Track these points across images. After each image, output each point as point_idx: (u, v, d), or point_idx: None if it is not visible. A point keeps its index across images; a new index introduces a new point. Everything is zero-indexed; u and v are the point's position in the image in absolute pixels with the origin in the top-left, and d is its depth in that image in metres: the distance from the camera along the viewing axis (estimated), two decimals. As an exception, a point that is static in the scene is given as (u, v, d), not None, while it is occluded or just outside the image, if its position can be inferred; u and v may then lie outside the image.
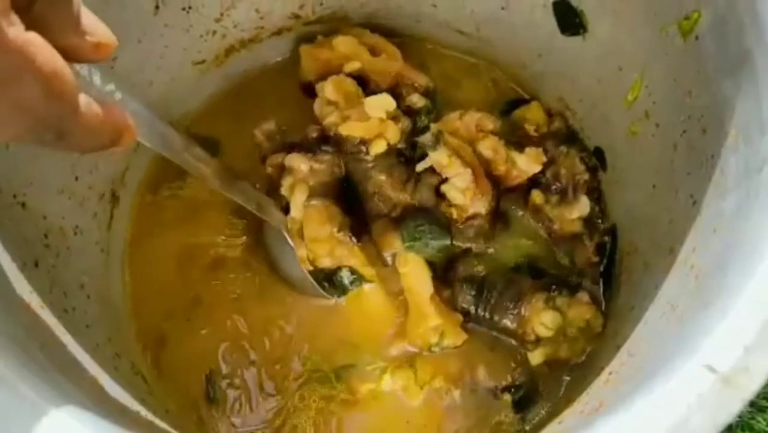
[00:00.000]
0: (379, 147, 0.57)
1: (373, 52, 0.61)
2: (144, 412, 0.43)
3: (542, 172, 0.59)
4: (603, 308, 0.57)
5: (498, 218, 0.59)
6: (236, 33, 0.62)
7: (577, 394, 0.47)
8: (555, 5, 0.54)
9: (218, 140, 0.63)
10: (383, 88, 0.60)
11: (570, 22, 0.54)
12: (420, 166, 0.58)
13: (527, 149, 0.58)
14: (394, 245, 0.57)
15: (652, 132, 0.50)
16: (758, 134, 0.35)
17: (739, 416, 0.62)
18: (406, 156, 0.60)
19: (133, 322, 0.57)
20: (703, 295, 0.35)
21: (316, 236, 0.57)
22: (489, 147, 0.58)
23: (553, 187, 0.59)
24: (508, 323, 0.56)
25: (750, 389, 0.27)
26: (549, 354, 0.56)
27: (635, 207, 0.54)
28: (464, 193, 0.56)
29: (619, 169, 0.57)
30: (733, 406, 0.27)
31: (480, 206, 0.57)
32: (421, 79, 0.62)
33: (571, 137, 0.61)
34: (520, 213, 0.60)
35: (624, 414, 0.30)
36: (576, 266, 0.59)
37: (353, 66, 0.60)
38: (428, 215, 0.58)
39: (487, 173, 0.58)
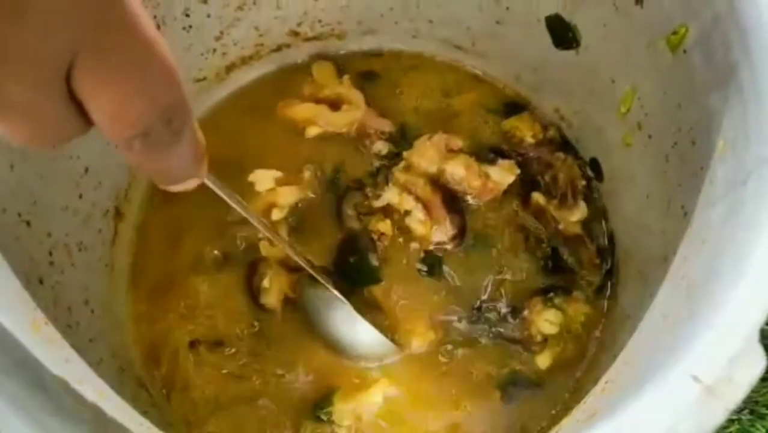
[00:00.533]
0: (276, 215, 0.60)
1: (335, 104, 0.63)
2: (147, 425, 0.43)
3: (541, 175, 0.61)
4: (604, 308, 0.58)
5: (464, 236, 0.60)
6: (236, 50, 0.63)
7: (576, 402, 0.48)
8: (548, 20, 0.55)
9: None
10: (352, 138, 0.63)
11: (563, 36, 0.55)
12: (375, 204, 0.60)
13: (500, 161, 0.60)
14: None
15: (645, 143, 0.50)
16: (744, 146, 0.36)
17: (739, 423, 0.62)
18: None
19: (137, 336, 0.58)
20: (692, 305, 0.35)
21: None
22: (461, 164, 0.60)
23: (553, 191, 0.61)
24: (514, 334, 0.58)
25: (734, 399, 0.28)
26: (556, 354, 0.57)
27: (630, 217, 0.55)
28: (424, 225, 0.59)
29: (614, 179, 0.58)
30: (718, 415, 0.28)
31: (441, 235, 0.59)
32: (385, 126, 0.64)
33: (565, 146, 0.62)
34: (521, 215, 0.61)
35: (614, 422, 0.31)
36: (583, 266, 0.60)
37: (312, 132, 0.63)
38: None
39: (454, 194, 0.60)
